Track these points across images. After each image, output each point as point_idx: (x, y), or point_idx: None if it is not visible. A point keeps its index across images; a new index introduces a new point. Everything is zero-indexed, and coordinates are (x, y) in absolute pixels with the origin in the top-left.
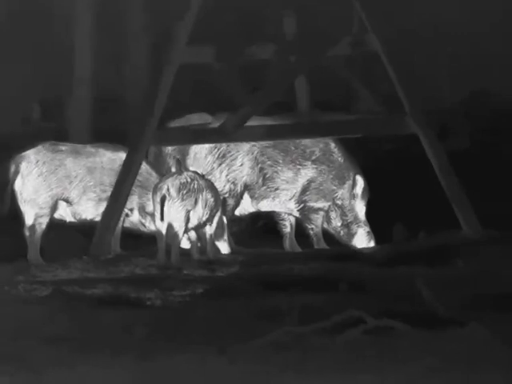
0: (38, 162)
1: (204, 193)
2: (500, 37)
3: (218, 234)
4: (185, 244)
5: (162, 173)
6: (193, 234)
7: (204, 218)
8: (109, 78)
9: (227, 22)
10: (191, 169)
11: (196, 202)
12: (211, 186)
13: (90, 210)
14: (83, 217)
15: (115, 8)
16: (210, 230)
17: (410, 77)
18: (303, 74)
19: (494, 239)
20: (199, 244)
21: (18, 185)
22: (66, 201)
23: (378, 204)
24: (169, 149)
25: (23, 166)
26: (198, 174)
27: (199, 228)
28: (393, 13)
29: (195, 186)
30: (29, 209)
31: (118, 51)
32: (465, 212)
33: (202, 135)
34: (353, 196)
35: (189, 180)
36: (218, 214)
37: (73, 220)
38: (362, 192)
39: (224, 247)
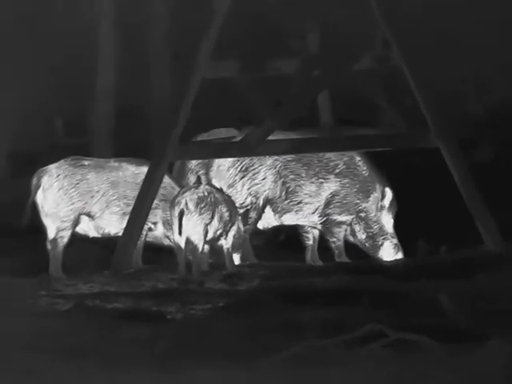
0: (59, 175)
1: (220, 206)
2: None
3: (235, 247)
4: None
5: (183, 186)
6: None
7: (219, 232)
8: (132, 92)
9: (251, 36)
10: (214, 181)
11: (213, 216)
12: (227, 200)
13: (114, 224)
14: (107, 231)
15: (138, 21)
16: (226, 243)
17: (433, 90)
18: (326, 88)
19: None
20: (209, 259)
21: (39, 199)
22: (89, 215)
23: (401, 218)
24: (192, 163)
25: (45, 180)
26: (214, 187)
27: (214, 242)
28: (415, 26)
29: (212, 200)
30: (50, 222)
31: (140, 64)
32: (487, 226)
33: (224, 149)
34: (380, 208)
35: (206, 194)
36: (234, 227)
37: (96, 235)
38: (390, 204)
39: (237, 259)
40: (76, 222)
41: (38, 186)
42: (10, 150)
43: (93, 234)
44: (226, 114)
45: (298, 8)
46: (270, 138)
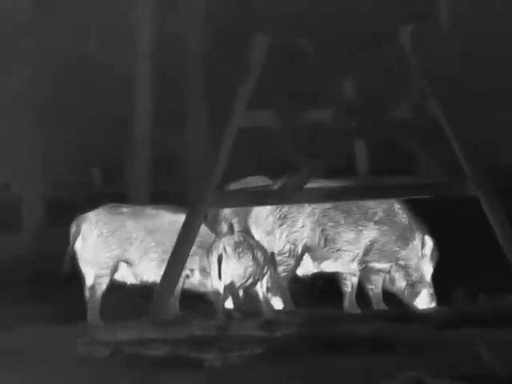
0: (98, 222)
1: (256, 251)
2: None
3: (272, 290)
4: (229, 303)
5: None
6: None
7: (257, 276)
8: (169, 141)
9: (288, 86)
10: (252, 228)
11: (251, 260)
12: (260, 245)
13: (152, 271)
14: (145, 278)
15: (175, 70)
16: (261, 288)
17: (470, 139)
18: (363, 138)
19: None
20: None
21: (78, 245)
22: (127, 262)
23: (440, 266)
24: (225, 211)
25: (84, 227)
26: (246, 234)
27: (251, 286)
28: (453, 76)
29: (248, 245)
30: (89, 269)
31: (178, 113)
32: None
33: (261, 197)
34: (421, 256)
35: (242, 239)
36: (269, 272)
37: (134, 282)
38: (431, 253)
39: (277, 303)
40: (114, 269)
41: (77, 234)
42: (49, 197)
43: (131, 280)
44: (260, 162)
45: (335, 57)
46: (308, 186)
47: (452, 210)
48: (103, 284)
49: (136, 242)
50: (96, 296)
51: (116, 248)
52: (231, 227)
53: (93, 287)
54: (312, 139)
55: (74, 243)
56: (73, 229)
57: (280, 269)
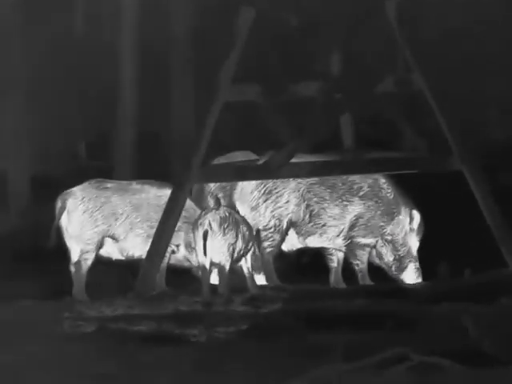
0: (83, 198)
1: (241, 226)
2: None
3: (255, 267)
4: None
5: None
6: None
7: (241, 252)
8: (154, 115)
9: (273, 60)
10: (237, 204)
11: (236, 236)
12: (245, 220)
13: (138, 246)
14: (131, 253)
15: (160, 45)
16: (246, 264)
17: (456, 113)
18: (348, 112)
19: None
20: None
21: (64, 221)
22: (113, 237)
23: (424, 241)
24: (210, 186)
25: (69, 203)
26: (232, 209)
27: (236, 262)
28: (438, 49)
29: (234, 220)
30: (74, 245)
31: (163, 87)
32: (510, 249)
33: (246, 172)
34: (409, 231)
35: (227, 214)
36: (253, 248)
37: (120, 257)
38: (418, 227)
39: (261, 279)
40: (100, 245)
41: (63, 209)
42: (35, 172)
43: (117, 256)
44: (247, 137)
45: (321, 31)
46: (292, 161)
47: (436, 184)
48: (89, 260)
49: (122, 218)
50: (82, 271)
51: (102, 223)
52: (218, 201)
53: (78, 263)
54: (297, 113)
55: (59, 218)
56: (58, 204)
57: (265, 244)
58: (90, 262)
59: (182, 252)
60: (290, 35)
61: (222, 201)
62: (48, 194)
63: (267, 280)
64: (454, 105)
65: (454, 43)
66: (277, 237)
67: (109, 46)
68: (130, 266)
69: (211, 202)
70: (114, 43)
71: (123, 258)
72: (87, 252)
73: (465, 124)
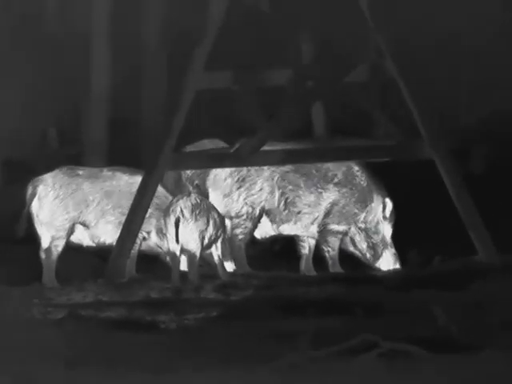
0: (54, 185)
1: (212, 213)
2: None
3: (225, 255)
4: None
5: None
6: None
7: (212, 239)
8: (125, 101)
9: (244, 47)
10: (210, 190)
11: (208, 223)
12: (214, 208)
13: (109, 233)
14: (102, 240)
15: (132, 29)
16: (216, 250)
17: (427, 101)
18: (320, 99)
19: (509, 264)
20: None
21: (34, 207)
22: (83, 224)
23: (395, 228)
24: (188, 173)
25: (40, 189)
26: (204, 195)
27: (206, 249)
28: (409, 34)
29: (205, 207)
30: (45, 231)
31: (134, 73)
32: (480, 237)
33: (217, 159)
34: (382, 218)
35: (199, 201)
36: (222, 235)
37: (91, 244)
38: (390, 215)
39: (229, 266)
40: (71, 231)
41: (33, 195)
42: (2, 158)
43: (87, 242)
44: (219, 124)
45: (293, 19)
46: (264, 148)
47: (407, 172)
48: (59, 246)
49: (93, 204)
50: (52, 258)
51: (72, 210)
52: (198, 188)
53: (49, 249)
54: (269, 101)
55: (29, 205)
56: (29, 190)
57: (237, 231)
58: (60, 249)
59: (153, 239)
60: (262, 23)
61: (199, 188)
62: (18, 179)
63: (237, 267)
64: (425, 92)
65: (426, 30)
66: (249, 224)
67: (81, 31)
68: (101, 253)
69: (190, 189)
70: (87, 29)
71: (94, 245)
72: (58, 239)
73: (436, 111)
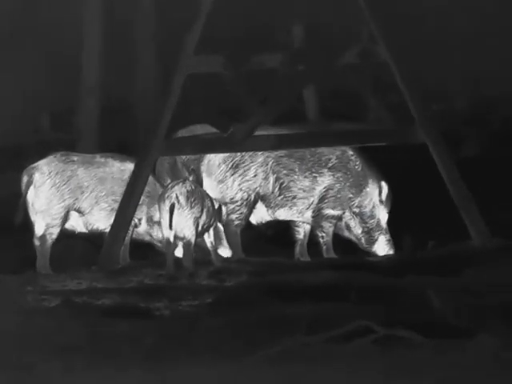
0: (50, 172)
1: (206, 200)
2: None
3: (217, 241)
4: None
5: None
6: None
7: (205, 226)
8: (117, 88)
9: (235, 31)
10: (204, 176)
11: (202, 210)
12: (208, 194)
13: (103, 220)
14: (95, 227)
15: (123, 17)
16: (209, 237)
17: (419, 85)
18: (311, 83)
19: (503, 248)
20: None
21: (30, 195)
22: (78, 211)
23: (389, 213)
24: (183, 158)
25: (36, 177)
26: (198, 182)
27: (200, 236)
28: (401, 18)
29: (200, 194)
30: (40, 219)
31: (126, 60)
32: (474, 221)
33: (210, 145)
34: (378, 203)
35: (193, 187)
36: (215, 222)
37: (84, 230)
38: (386, 199)
39: (225, 252)
40: (65, 219)
41: (29, 184)
42: None
43: (80, 229)
44: (212, 109)
45: (284, 2)
46: (257, 133)
47: (400, 156)
48: (54, 234)
49: (87, 191)
50: (46, 246)
51: (68, 198)
52: (194, 173)
53: (43, 237)
54: (261, 84)
55: (26, 193)
56: (24, 179)
57: (233, 217)
58: (54, 236)
59: (143, 226)
60: (252, 6)
61: (195, 173)
62: (11, 165)
63: (233, 253)
64: (417, 76)
65: (418, 14)
66: (244, 210)
67: (73, 16)
68: (94, 240)
69: (186, 174)
70: (78, 14)
71: (87, 232)
72: (53, 226)
73: (427, 95)
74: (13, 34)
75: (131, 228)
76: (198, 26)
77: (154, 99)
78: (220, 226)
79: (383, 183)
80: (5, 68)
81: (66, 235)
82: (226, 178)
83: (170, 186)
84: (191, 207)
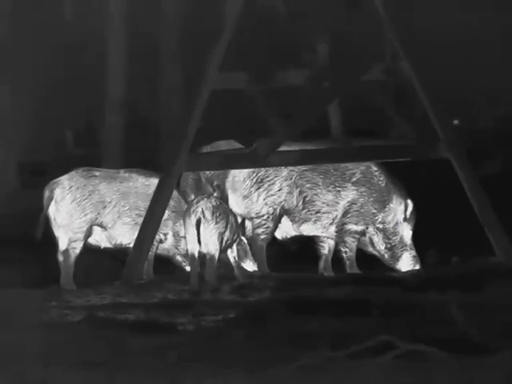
0: (71, 187)
1: (230, 216)
2: None
3: (241, 256)
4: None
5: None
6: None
7: (229, 242)
8: (142, 104)
9: (261, 48)
10: (229, 192)
11: (227, 225)
12: (231, 210)
13: (126, 234)
14: (119, 242)
15: (149, 32)
16: (232, 253)
17: (443, 101)
18: (336, 99)
19: None
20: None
21: (51, 210)
22: (101, 226)
23: (414, 229)
24: (207, 174)
25: (57, 192)
26: (224, 197)
27: (224, 251)
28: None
29: (224, 209)
30: (63, 234)
31: (151, 76)
32: (498, 237)
33: (234, 160)
34: (402, 220)
35: (218, 203)
36: (239, 237)
37: (108, 245)
38: (410, 216)
39: (250, 266)
40: (88, 233)
41: (50, 198)
42: (20, 161)
43: (105, 244)
44: (235, 125)
45: (309, 19)
46: (281, 149)
47: (424, 172)
48: (77, 248)
49: (110, 206)
50: (69, 260)
51: (90, 212)
52: (218, 188)
53: (66, 251)
54: (286, 101)
55: (47, 208)
56: (46, 194)
57: (259, 231)
58: (78, 251)
59: (170, 241)
60: (277, 23)
61: (219, 188)
62: (35, 181)
63: (259, 268)
64: (441, 93)
65: (442, 32)
66: (270, 224)
67: (97, 32)
68: (118, 255)
69: (210, 190)
70: (103, 29)
71: (111, 247)
72: (75, 241)
73: (451, 112)
74: (39, 49)
75: (156, 243)
76: (223, 42)
77: (179, 114)
78: (245, 240)
79: (408, 200)
80: (29, 84)
81: (90, 250)
82: (251, 193)
83: (195, 200)
84: (216, 222)
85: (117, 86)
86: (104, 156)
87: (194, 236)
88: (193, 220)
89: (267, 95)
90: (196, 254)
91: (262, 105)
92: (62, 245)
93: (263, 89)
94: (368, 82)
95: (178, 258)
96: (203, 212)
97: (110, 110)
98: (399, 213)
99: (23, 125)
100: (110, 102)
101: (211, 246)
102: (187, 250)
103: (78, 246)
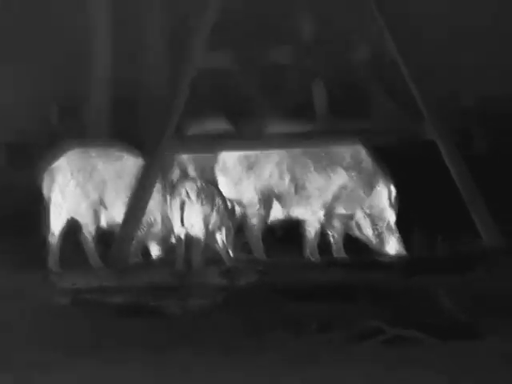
0: (73, 172)
1: (217, 199)
2: None
3: (228, 241)
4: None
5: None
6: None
7: (216, 225)
8: (127, 81)
9: (245, 27)
10: (219, 176)
11: (212, 208)
12: (220, 193)
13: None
14: (117, 221)
15: (134, 9)
16: (220, 236)
17: (428, 82)
18: (320, 76)
19: None
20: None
21: (56, 197)
22: (104, 205)
23: (398, 211)
24: (179, 158)
25: (60, 178)
26: (208, 180)
27: (211, 235)
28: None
29: (211, 192)
30: (56, 216)
31: (136, 52)
32: (484, 220)
33: (220, 143)
34: (387, 204)
35: (204, 185)
36: (227, 221)
37: (105, 225)
38: (394, 201)
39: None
40: (98, 214)
41: (51, 184)
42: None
43: (103, 224)
44: (220, 104)
45: None
46: (267, 131)
47: (408, 154)
48: (92, 231)
49: (109, 184)
50: (89, 244)
51: (93, 193)
52: (205, 170)
53: (83, 235)
54: (270, 79)
55: (48, 195)
56: (46, 180)
57: (252, 218)
58: (93, 233)
59: (157, 224)
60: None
61: (194, 173)
62: (21, 158)
63: (256, 255)
64: (426, 73)
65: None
66: (263, 211)
67: (82, 8)
68: (104, 239)
69: (179, 174)
70: (88, 5)
71: (108, 227)
72: (87, 224)
73: (437, 93)
74: (20, 24)
75: (143, 227)
76: (208, 21)
77: (164, 91)
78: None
79: (392, 186)
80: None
81: (75, 233)
82: (242, 180)
83: (179, 181)
84: (202, 204)
85: (102, 61)
86: (88, 131)
87: (179, 218)
88: (177, 201)
89: (251, 73)
90: (182, 236)
91: (246, 83)
92: (55, 228)
93: (248, 67)
94: (353, 60)
95: (166, 240)
96: (188, 194)
97: (95, 86)
98: (385, 197)
99: (7, 102)
100: (95, 80)
101: (196, 229)
102: (173, 233)
103: (91, 230)
